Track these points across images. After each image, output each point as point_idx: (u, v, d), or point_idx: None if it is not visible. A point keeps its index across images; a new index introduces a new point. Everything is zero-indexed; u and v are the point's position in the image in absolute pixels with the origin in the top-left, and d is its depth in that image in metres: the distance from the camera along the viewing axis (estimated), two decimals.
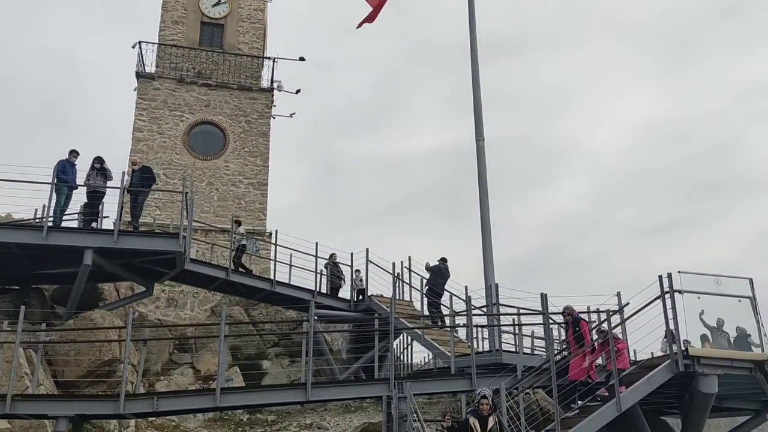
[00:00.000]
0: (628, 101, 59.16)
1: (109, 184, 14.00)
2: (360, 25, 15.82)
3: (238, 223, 17.69)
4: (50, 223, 13.05)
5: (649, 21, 60.89)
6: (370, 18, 15.51)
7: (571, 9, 62.35)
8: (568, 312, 11.25)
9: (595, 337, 11.00)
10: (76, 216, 14.59)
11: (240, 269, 16.37)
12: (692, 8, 61.54)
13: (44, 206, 13.36)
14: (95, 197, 13.92)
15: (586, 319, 11.68)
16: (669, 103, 58.65)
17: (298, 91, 24.85)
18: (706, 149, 56.49)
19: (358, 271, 16.55)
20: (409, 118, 60.47)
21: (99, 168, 13.93)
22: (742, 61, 59.81)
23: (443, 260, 15.84)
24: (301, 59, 24.82)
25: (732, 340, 10.46)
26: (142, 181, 14.56)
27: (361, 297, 16.35)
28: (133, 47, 23.58)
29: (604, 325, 11.21)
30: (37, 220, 14.38)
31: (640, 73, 60.89)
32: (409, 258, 16.47)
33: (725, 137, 57.01)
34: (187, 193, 14.40)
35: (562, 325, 12.32)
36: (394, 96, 62.24)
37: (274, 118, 24.80)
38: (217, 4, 25.61)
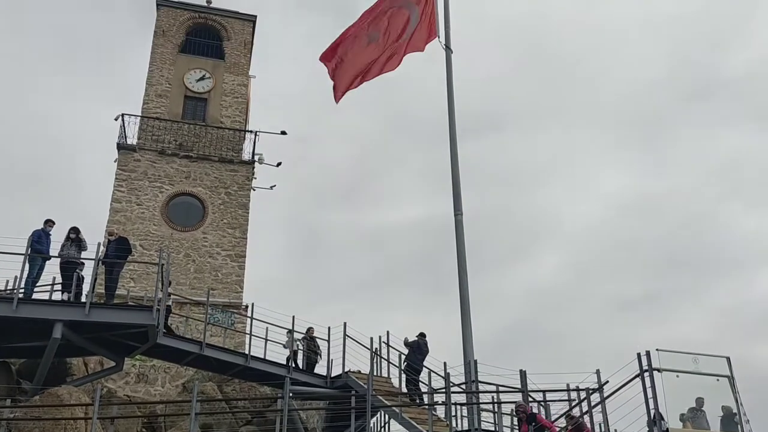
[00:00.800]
0: (604, 176, 60.73)
1: (83, 255, 13.84)
2: (337, 99, 15.65)
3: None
4: (21, 295, 12.79)
5: (622, 100, 63.44)
6: (339, 92, 15.29)
7: (548, 88, 64.85)
8: (521, 409, 10.80)
9: (563, 424, 10.66)
10: (48, 287, 14.34)
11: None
12: (662, 90, 64.34)
13: (16, 277, 13.14)
14: (68, 268, 13.72)
15: (542, 414, 11.30)
16: (643, 178, 60.30)
17: (279, 164, 25.12)
18: (681, 224, 57.70)
19: (290, 331, 16.13)
20: (389, 192, 61.23)
21: (74, 238, 13.80)
22: (713, 139, 62.04)
23: (422, 335, 15.69)
24: (283, 133, 25.20)
25: (720, 419, 10.34)
26: (117, 252, 14.43)
27: (295, 364, 15.93)
28: (116, 119, 23.79)
29: (575, 411, 10.95)
30: (8, 292, 14.09)
31: (614, 150, 62.89)
32: (387, 333, 16.31)
33: (698, 212, 58.38)
34: (163, 264, 14.28)
35: (515, 423, 11.88)
36: (374, 169, 63.21)
37: (254, 190, 24.94)
38: (202, 79, 26.21)
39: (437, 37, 15.00)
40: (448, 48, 16.71)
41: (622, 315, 54.10)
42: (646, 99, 63.32)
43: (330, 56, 15.13)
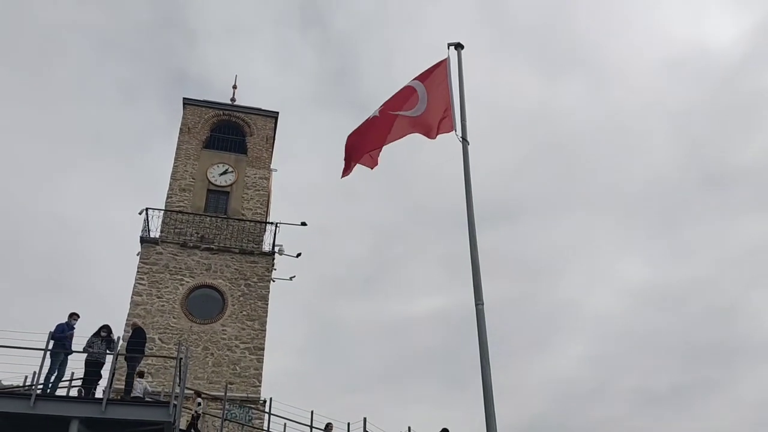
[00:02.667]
0: (624, 264, 60.05)
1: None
2: (344, 174, 15.19)
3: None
4: (38, 391, 12.73)
5: (639, 187, 63.73)
6: (349, 167, 14.87)
7: (564, 177, 65.50)
8: None
9: None
10: (66, 382, 14.25)
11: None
12: (677, 178, 64.63)
13: (34, 372, 13.11)
14: (96, 365, 13.66)
15: None
16: (663, 266, 59.50)
17: (298, 255, 25.22)
18: (705, 313, 56.28)
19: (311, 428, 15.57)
20: (407, 282, 60.95)
21: (105, 336, 13.78)
22: (732, 227, 61.55)
23: (445, 431, 15.23)
24: (303, 224, 25.39)
25: None
26: (134, 345, 14.42)
27: None
28: (140, 213, 24.32)
29: None
30: (25, 388, 14.03)
31: (633, 238, 62.51)
32: (409, 428, 15.85)
33: (722, 301, 57.02)
34: (181, 359, 14.20)
35: None
36: (392, 260, 63.27)
37: (273, 281, 24.97)
38: (224, 173, 26.86)
39: (454, 131, 15.28)
40: (464, 140, 17.06)
41: (650, 410, 51.97)
42: (661, 187, 63.64)
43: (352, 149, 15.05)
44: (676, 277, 58.35)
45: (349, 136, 14.29)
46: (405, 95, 12.93)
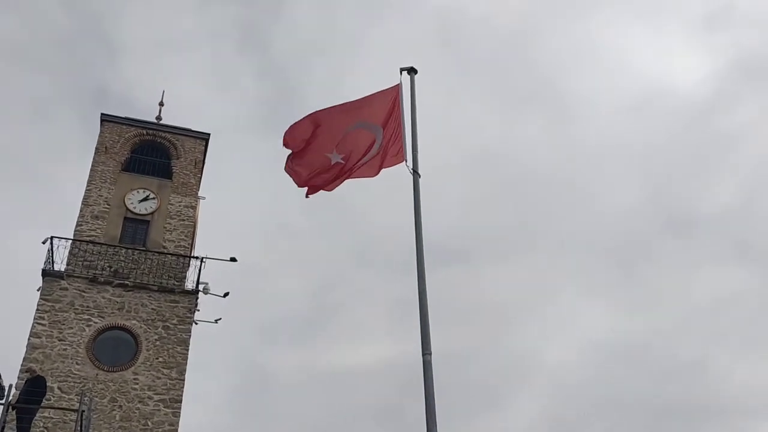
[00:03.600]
0: (582, 314, 61.25)
1: None
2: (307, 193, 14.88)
3: None
4: None
5: (601, 230, 65.57)
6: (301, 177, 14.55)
7: (520, 219, 66.83)
8: None
9: None
10: None
11: None
12: (642, 221, 66.79)
13: None
14: None
15: None
16: (624, 317, 60.97)
17: (226, 294, 24.71)
18: (669, 368, 57.84)
19: None
20: (349, 328, 60.40)
21: None
22: (697, 276, 63.81)
23: None
24: (233, 260, 24.99)
25: None
26: (29, 395, 13.75)
27: None
28: (44, 243, 23.51)
29: None
30: None
31: (593, 286, 64.00)
32: None
33: (687, 356, 58.69)
34: (83, 411, 13.60)
35: None
36: (332, 303, 62.65)
37: (196, 323, 24.35)
38: (145, 200, 26.29)
39: (404, 161, 15.38)
40: (415, 172, 17.18)
41: None
42: (623, 231, 65.60)
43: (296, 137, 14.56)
44: (638, 328, 59.79)
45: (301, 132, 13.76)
46: (367, 145, 12.99)
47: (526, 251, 65.67)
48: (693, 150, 69.30)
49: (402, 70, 11.75)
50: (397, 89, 12.29)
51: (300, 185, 14.15)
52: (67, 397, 21.09)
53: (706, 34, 75.68)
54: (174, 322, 23.83)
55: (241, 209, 59.09)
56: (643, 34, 74.45)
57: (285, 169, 13.76)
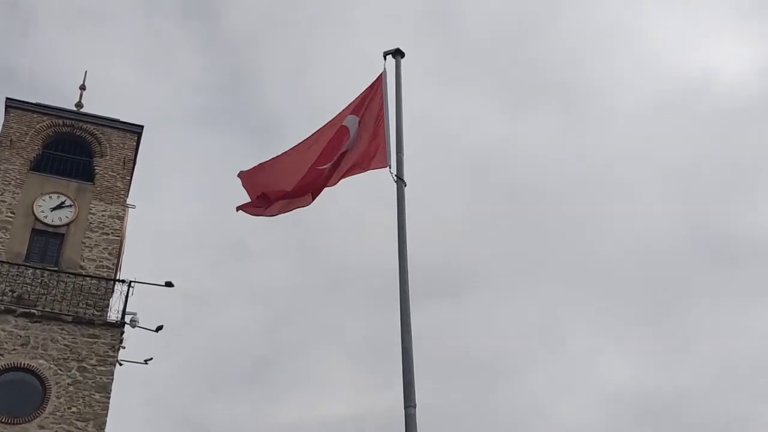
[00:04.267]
0: (602, 361, 56.45)
1: None
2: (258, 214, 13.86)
3: None
4: None
5: (622, 257, 60.36)
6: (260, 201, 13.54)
7: (527, 238, 61.96)
8: None
9: None
10: None
11: None
12: (674, 247, 60.69)
13: None
14: None
15: None
16: (652, 365, 56.35)
17: (159, 329, 23.58)
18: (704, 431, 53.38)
19: None
20: (313, 374, 55.76)
21: None
22: (743, 315, 58.57)
23: None
24: (169, 285, 23.71)
25: None
26: None
27: None
28: None
29: None
30: None
31: (614, 324, 59.30)
32: None
33: (727, 415, 53.47)
34: None
35: None
36: (293, 341, 58.23)
37: (121, 364, 23.09)
38: (59, 207, 24.71)
39: (388, 167, 13.45)
40: (400, 179, 15.24)
41: None
42: (649, 260, 60.31)
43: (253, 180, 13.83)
44: (668, 381, 55.49)
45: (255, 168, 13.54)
46: (339, 141, 12.65)
47: (532, 282, 61.51)
48: (735, 160, 65.22)
49: (386, 54, 11.53)
50: (380, 79, 11.85)
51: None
52: None
53: (753, 22, 71.90)
54: (92, 362, 22.49)
55: (181, 222, 55.06)
56: (673, 18, 71.31)
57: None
